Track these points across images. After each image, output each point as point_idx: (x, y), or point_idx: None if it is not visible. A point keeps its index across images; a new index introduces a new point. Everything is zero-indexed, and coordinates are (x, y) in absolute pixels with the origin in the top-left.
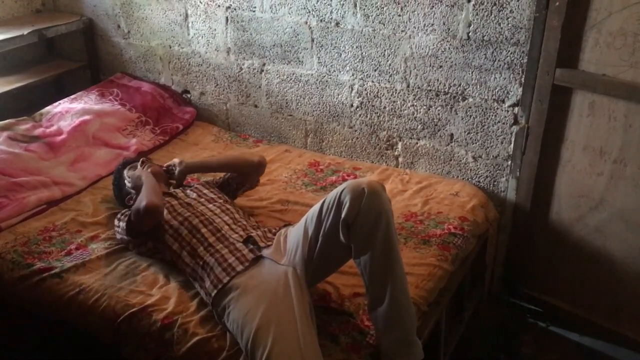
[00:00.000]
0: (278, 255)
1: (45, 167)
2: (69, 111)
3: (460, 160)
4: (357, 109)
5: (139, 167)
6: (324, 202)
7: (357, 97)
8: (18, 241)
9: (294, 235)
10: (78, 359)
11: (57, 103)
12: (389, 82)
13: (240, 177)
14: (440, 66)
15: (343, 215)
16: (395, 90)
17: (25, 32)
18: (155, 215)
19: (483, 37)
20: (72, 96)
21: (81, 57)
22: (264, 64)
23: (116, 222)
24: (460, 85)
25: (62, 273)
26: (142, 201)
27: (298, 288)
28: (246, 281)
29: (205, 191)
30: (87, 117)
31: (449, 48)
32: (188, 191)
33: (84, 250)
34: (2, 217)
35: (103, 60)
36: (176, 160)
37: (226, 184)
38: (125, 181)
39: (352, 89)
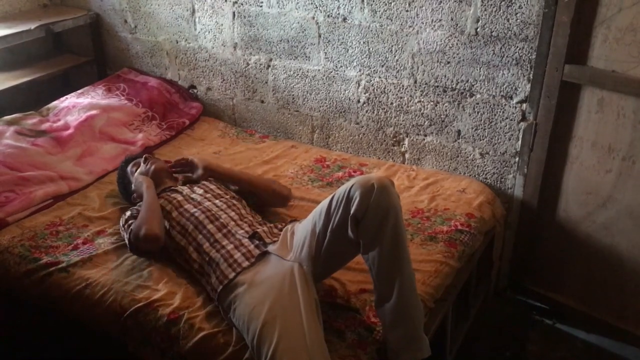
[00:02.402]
0: (284, 251)
1: (52, 161)
2: (75, 106)
3: (468, 157)
4: (364, 105)
5: (142, 164)
6: (332, 197)
7: (364, 93)
8: (25, 235)
9: (301, 231)
10: (84, 356)
11: (63, 98)
12: (396, 78)
13: (260, 200)
14: (448, 62)
15: (352, 210)
16: (402, 86)
17: (32, 26)
18: (154, 245)
19: (491, 32)
20: (79, 91)
21: (88, 52)
22: (270, 60)
23: (121, 222)
24: (467, 81)
25: (69, 267)
26: (141, 227)
27: (304, 284)
28: (252, 277)
29: (212, 187)
30: (93, 112)
31: (457, 44)
32: (194, 187)
33: (91, 244)
34: (9, 211)
35: (110, 55)
36: (198, 163)
37: (242, 196)
38: (129, 175)
39: (359, 85)
